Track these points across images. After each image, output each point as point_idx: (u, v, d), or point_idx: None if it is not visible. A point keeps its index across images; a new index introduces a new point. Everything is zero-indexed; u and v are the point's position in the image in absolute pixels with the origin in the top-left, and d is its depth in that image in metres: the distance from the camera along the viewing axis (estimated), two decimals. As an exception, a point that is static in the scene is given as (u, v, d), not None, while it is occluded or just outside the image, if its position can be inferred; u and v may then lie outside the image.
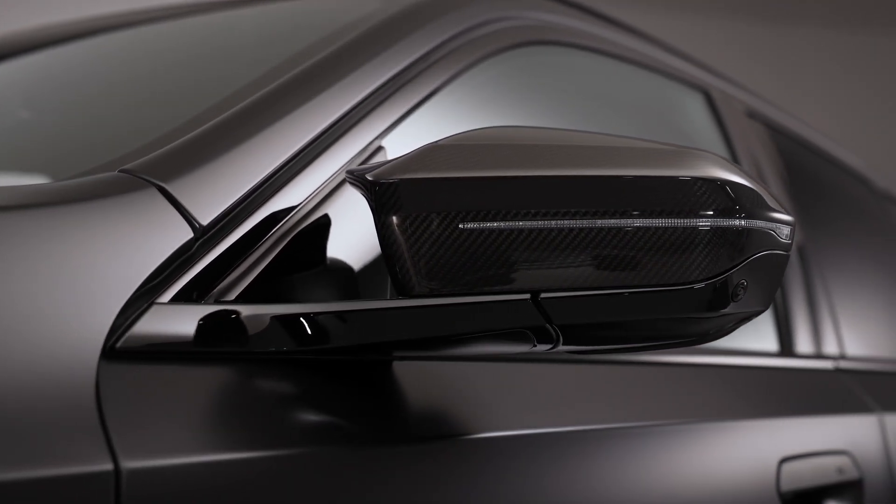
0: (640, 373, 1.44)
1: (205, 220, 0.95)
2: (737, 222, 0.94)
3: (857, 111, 5.77)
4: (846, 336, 2.10)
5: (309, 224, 1.05)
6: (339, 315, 0.95)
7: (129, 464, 0.76)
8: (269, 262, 1.00)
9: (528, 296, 0.94)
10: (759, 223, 0.96)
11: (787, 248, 1.01)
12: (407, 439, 1.01)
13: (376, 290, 1.11)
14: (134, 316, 0.86)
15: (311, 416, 0.94)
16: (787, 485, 1.54)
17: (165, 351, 0.88)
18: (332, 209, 1.08)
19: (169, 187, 0.94)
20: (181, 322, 0.89)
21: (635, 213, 0.92)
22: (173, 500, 0.79)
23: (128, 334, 0.85)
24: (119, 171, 0.95)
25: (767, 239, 0.97)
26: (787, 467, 1.55)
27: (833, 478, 1.67)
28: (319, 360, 0.99)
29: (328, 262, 1.06)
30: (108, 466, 0.75)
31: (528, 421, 1.17)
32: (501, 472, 1.09)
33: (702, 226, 0.93)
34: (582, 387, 1.32)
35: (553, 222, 0.92)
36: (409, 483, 0.99)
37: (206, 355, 0.90)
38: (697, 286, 0.94)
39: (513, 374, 1.21)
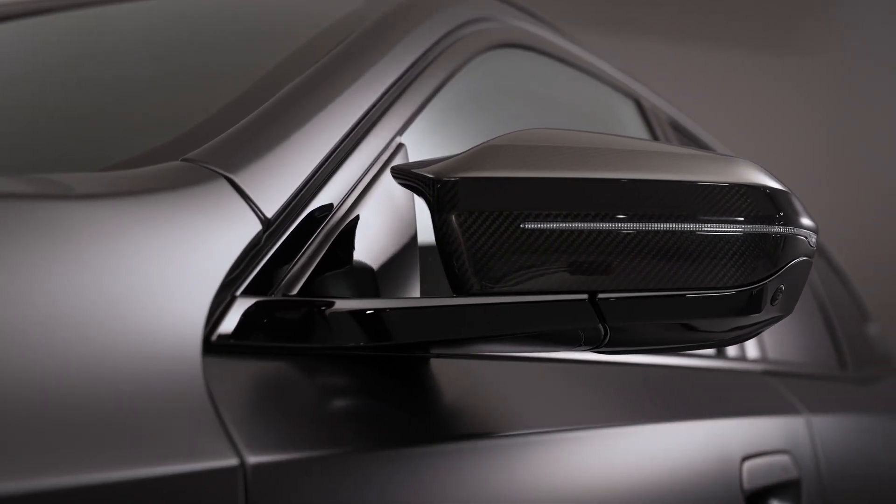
0: (605, 372, 1.47)
1: (269, 213, 0.93)
2: (781, 229, 0.98)
3: (760, 127, 6.01)
4: (766, 339, 2.19)
5: (352, 220, 1.04)
6: (415, 311, 0.95)
7: (252, 459, 0.74)
8: (324, 256, 0.99)
9: (585, 296, 0.95)
10: (796, 230, 1.00)
11: (813, 254, 1.06)
12: (464, 436, 1.02)
13: (410, 288, 1.10)
14: (220, 310, 0.84)
15: (403, 414, 0.94)
16: (748, 483, 1.60)
17: (255, 344, 0.86)
18: (371, 204, 1.07)
19: (236, 178, 0.92)
20: (268, 316, 0.87)
21: (694, 217, 0.95)
22: (295, 495, 0.77)
23: (219, 329, 0.82)
24: (182, 161, 0.93)
25: (802, 245, 1.01)
26: (748, 466, 1.61)
27: (780, 476, 1.74)
28: (370, 356, 0.98)
29: (377, 258, 1.05)
30: (235, 461, 0.73)
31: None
32: (533, 468, 1.11)
33: (756, 231, 0.96)
34: (560, 387, 1.34)
35: (615, 224, 0.94)
36: (461, 478, 0.99)
37: (290, 350, 0.89)
38: (747, 289, 0.97)
39: (536, 373, 1.22)
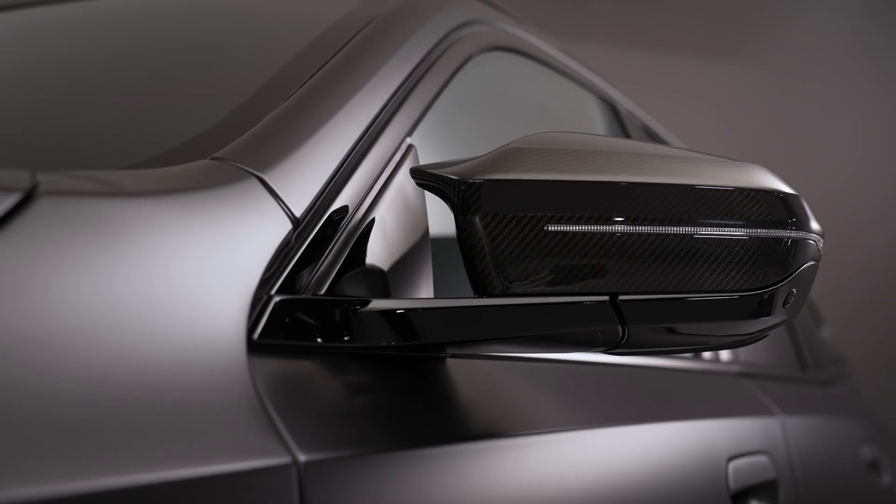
0: (602, 373, 1.49)
1: (298, 212, 0.93)
2: (794, 233, 1.00)
3: (712, 132, 6.08)
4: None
5: (371, 220, 1.05)
6: (444, 311, 0.95)
7: (303, 457, 0.75)
8: (347, 256, 0.99)
9: (606, 298, 0.96)
10: (806, 234, 1.02)
11: (820, 258, 1.08)
12: (487, 435, 1.03)
13: (424, 286, 1.11)
14: (259, 309, 0.84)
15: (435, 413, 0.95)
16: (733, 483, 1.62)
17: (290, 343, 0.86)
18: (388, 204, 1.08)
19: (267, 178, 0.92)
20: (304, 315, 0.88)
21: (715, 220, 0.96)
22: (344, 492, 0.78)
23: (259, 328, 0.82)
24: (211, 159, 0.92)
25: (811, 250, 1.04)
26: (733, 466, 1.64)
27: (761, 477, 1.76)
28: (391, 355, 0.99)
29: (395, 257, 1.06)
30: (288, 459, 0.73)
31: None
32: (537, 467, 1.12)
33: (771, 236, 0.98)
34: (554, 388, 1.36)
35: (638, 227, 0.95)
36: (485, 476, 1.00)
37: (323, 349, 0.90)
38: (762, 292, 0.99)
39: (534, 373, 1.23)
